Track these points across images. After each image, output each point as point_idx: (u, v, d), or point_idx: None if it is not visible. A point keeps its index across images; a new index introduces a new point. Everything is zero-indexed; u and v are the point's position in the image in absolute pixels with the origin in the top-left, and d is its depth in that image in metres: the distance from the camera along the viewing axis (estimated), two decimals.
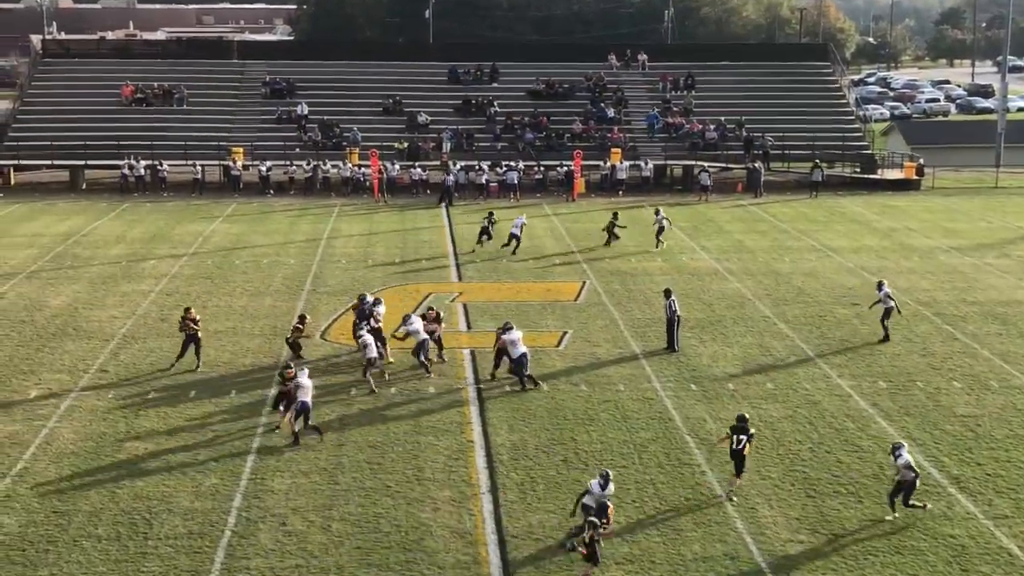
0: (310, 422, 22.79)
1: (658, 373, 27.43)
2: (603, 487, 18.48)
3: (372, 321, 27.80)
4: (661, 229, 43.04)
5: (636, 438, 23.17)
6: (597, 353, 29.10)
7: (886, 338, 29.99)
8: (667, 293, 29.86)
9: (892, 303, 30.10)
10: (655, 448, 22.64)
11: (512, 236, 41.67)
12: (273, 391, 25.14)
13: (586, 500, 18.49)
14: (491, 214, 43.51)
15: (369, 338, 26.22)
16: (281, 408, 23.52)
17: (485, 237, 42.06)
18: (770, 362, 28.52)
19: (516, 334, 26.02)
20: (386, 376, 26.75)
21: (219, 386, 26.29)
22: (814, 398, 25.69)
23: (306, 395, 22.71)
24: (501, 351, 26.18)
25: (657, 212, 43.78)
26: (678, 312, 29.41)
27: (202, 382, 26.55)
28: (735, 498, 20.21)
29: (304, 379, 22.97)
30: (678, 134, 62.81)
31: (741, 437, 20.30)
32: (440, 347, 28.06)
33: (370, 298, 29.34)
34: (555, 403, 25.17)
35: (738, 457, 20.38)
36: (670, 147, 62.08)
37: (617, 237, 43.44)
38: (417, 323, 27.28)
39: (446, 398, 25.60)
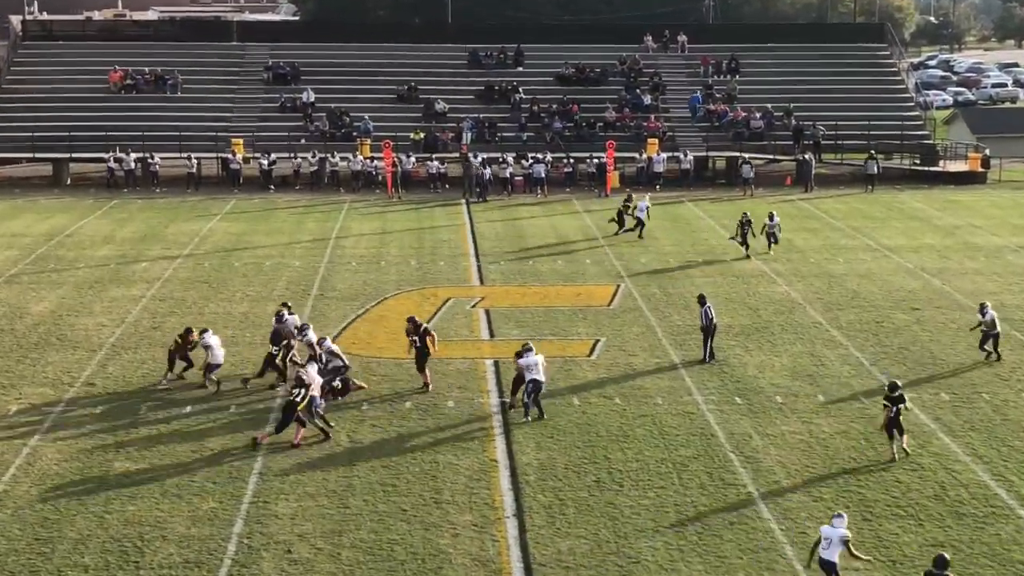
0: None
1: (699, 385, 27.37)
2: (839, 527, 17.64)
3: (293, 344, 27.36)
4: (773, 237, 41.79)
5: (675, 456, 23.12)
6: (633, 363, 29.06)
7: (995, 358, 29.11)
8: (701, 300, 29.75)
9: (996, 331, 28.99)
10: (696, 467, 22.58)
11: (638, 221, 44.46)
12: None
13: (824, 554, 17.45)
14: (630, 196, 47.21)
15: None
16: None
17: (621, 227, 45.05)
18: (822, 372, 28.41)
19: (534, 359, 25.16)
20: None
21: (218, 400, 26.39)
22: (870, 412, 25.53)
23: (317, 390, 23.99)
24: (519, 378, 25.55)
25: (771, 217, 42.22)
26: (715, 320, 29.31)
27: (199, 396, 26.66)
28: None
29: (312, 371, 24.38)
30: (721, 123, 62.69)
31: (900, 406, 22.83)
32: (420, 363, 27.03)
33: (294, 319, 28.50)
34: (587, 418, 25.14)
35: (896, 425, 22.87)
36: (712, 137, 61.97)
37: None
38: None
39: (467, 413, 25.61)
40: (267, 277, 38.29)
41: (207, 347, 26.86)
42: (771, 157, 61.57)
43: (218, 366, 26.95)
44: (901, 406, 22.94)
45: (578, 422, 24.86)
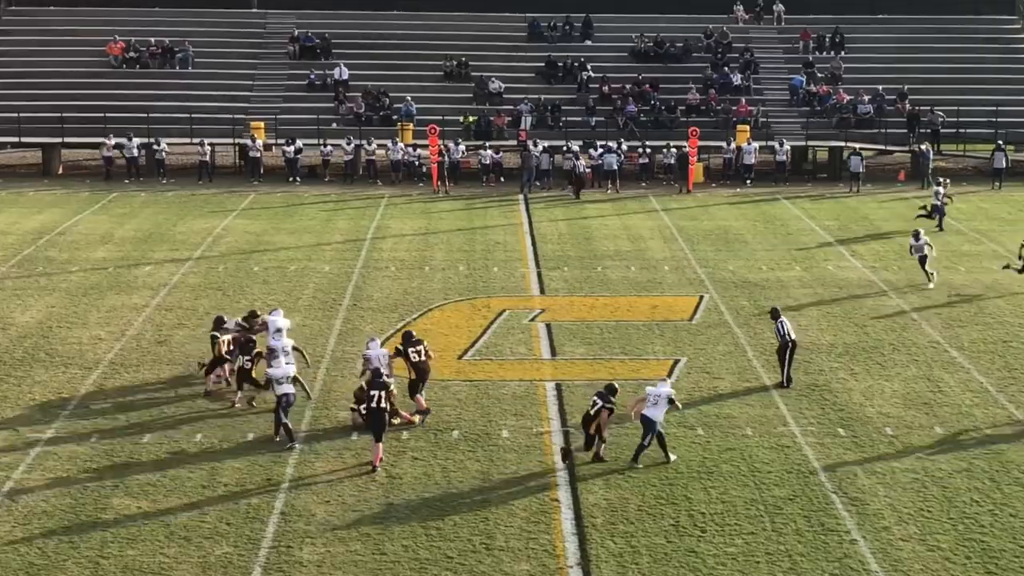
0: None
1: (796, 414, 27.30)
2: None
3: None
4: (924, 259, 38.73)
5: (767, 497, 23.07)
6: (718, 387, 29.03)
7: None
8: (775, 313, 29.77)
9: None
10: (792, 510, 22.51)
11: (934, 209, 46.55)
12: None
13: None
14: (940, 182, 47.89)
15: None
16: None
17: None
18: (940, 400, 28.22)
19: (661, 390, 24.99)
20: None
21: (233, 428, 26.66)
22: (996, 447, 25.35)
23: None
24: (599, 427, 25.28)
25: (917, 236, 39.04)
26: (791, 336, 29.22)
27: (212, 423, 26.90)
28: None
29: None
30: (823, 107, 62.39)
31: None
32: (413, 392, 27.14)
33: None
34: (661, 453, 25.15)
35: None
36: (813, 124, 61.73)
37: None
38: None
39: (523, 444, 25.70)
40: (291, 284, 38.62)
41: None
42: (881, 148, 61.16)
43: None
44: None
45: (654, 456, 24.83)
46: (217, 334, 28.63)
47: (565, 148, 57.18)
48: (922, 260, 38.56)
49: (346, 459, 24.66)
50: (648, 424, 24.75)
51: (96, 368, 30.44)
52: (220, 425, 26.72)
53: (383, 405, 24.47)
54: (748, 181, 57.04)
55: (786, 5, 70.37)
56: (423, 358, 27.16)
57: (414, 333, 28.13)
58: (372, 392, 24.63)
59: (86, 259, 41.99)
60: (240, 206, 51.74)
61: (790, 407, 27.74)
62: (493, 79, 63.69)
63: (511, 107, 61.74)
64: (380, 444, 24.40)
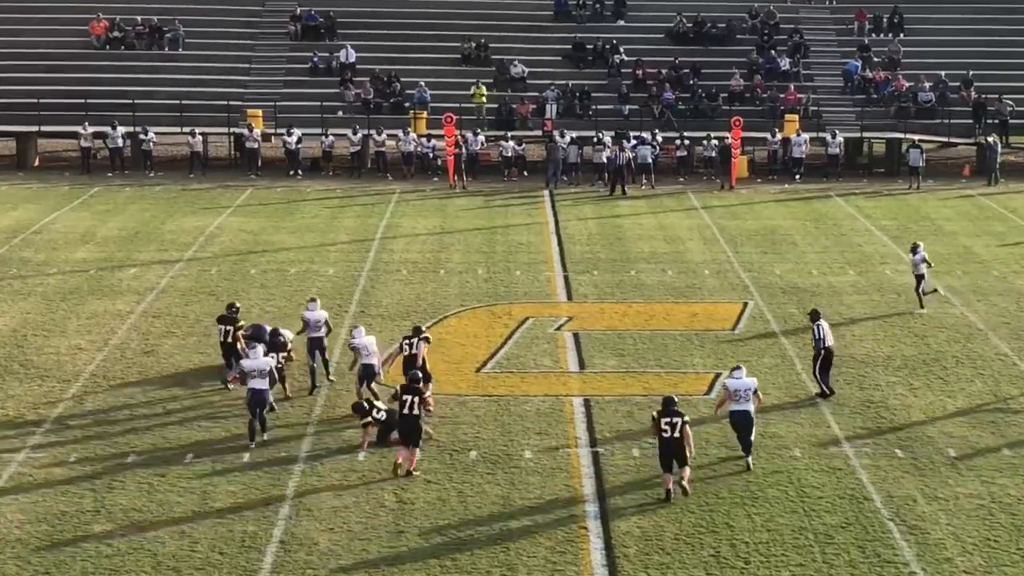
0: None
1: (850, 433, 27.18)
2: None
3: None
4: (921, 278, 36.49)
5: (818, 525, 22.96)
6: (763, 403, 28.91)
7: None
8: (814, 316, 29.92)
9: None
10: (845, 539, 22.39)
11: None
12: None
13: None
14: None
15: None
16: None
17: None
18: (1008, 419, 28.08)
19: (747, 381, 25.74)
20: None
21: (226, 447, 26.67)
22: None
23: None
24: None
25: (914, 250, 36.83)
26: (827, 342, 29.25)
27: (202, 441, 26.94)
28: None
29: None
30: (880, 95, 62.16)
31: (675, 421, 23.27)
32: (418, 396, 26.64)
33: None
34: (703, 474, 25.07)
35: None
36: (868, 114, 61.54)
37: None
38: None
39: (548, 466, 25.64)
40: (292, 288, 38.68)
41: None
42: (944, 140, 60.94)
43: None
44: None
45: (692, 479, 24.79)
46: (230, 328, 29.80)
47: (595, 139, 57.01)
48: (918, 279, 36.43)
49: (351, 480, 24.65)
50: (746, 419, 25.33)
51: (76, 381, 30.52)
52: (212, 444, 26.76)
53: (416, 412, 24.88)
54: (797, 176, 56.91)
55: None
56: (413, 351, 28.18)
57: (423, 328, 29.88)
58: (405, 397, 24.96)
59: (65, 260, 42.12)
60: (235, 202, 51.89)
61: (843, 426, 27.63)
62: (515, 63, 63.61)
63: (535, 94, 61.70)
64: (416, 449, 24.92)
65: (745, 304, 37.16)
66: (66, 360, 32.06)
